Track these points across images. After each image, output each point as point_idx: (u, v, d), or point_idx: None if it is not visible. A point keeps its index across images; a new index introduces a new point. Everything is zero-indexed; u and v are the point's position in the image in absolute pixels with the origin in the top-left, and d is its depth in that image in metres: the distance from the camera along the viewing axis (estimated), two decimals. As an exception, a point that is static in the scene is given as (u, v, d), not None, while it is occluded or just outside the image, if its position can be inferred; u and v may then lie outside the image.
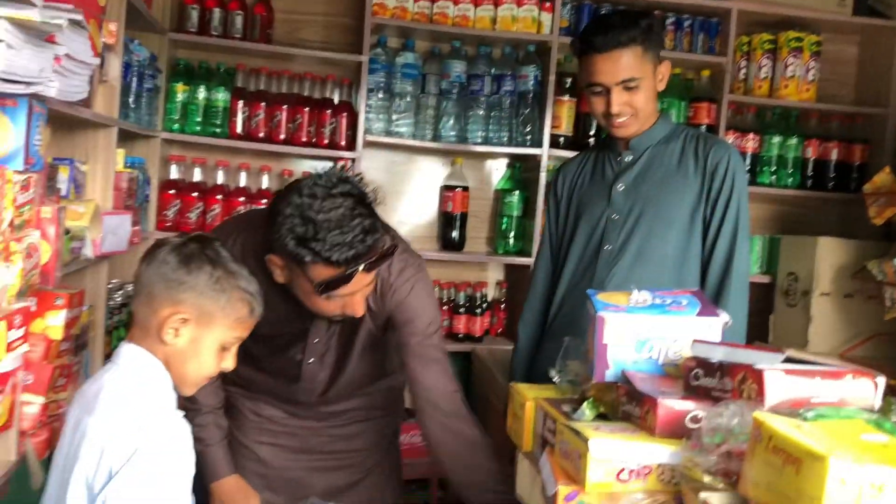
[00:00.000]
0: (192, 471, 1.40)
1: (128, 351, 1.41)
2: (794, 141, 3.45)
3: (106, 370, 1.42)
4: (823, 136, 3.49)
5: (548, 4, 3.27)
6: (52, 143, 2.23)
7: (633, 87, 1.93)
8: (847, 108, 3.54)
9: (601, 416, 1.42)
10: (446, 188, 3.44)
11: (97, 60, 1.72)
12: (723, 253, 1.99)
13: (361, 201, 1.54)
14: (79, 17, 1.36)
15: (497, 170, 3.60)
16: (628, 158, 2.06)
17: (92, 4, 1.76)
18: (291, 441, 1.95)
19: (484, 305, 3.46)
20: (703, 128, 3.28)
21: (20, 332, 1.40)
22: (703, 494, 1.05)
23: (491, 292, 3.56)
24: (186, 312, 1.38)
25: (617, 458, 1.20)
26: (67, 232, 1.83)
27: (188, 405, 1.74)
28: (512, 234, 3.44)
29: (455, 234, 3.42)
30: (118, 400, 1.35)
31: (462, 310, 3.40)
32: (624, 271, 1.98)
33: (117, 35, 2.22)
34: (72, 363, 1.85)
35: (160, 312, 1.38)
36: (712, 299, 1.93)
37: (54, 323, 1.73)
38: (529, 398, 1.59)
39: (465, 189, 3.43)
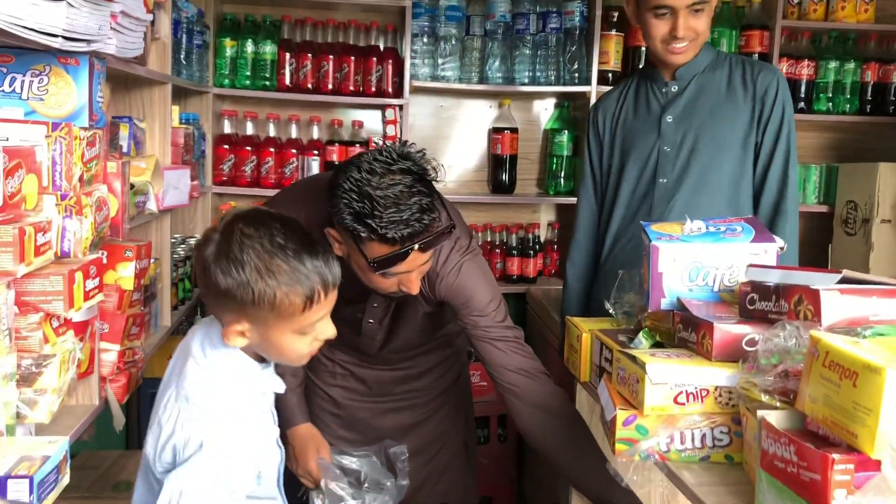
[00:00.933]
0: (258, 464, 1.40)
1: (215, 334, 1.37)
2: (851, 65, 3.35)
3: (197, 342, 1.39)
4: (883, 58, 3.38)
5: (592, -63, 3.19)
6: (111, 101, 2.30)
7: (700, 9, 1.91)
8: (909, 28, 3.40)
9: (657, 345, 1.45)
10: (495, 130, 3.44)
11: (150, 17, 1.75)
12: (776, 177, 1.99)
13: (421, 179, 1.51)
14: (131, -27, 1.39)
15: (545, 110, 3.58)
16: (675, 88, 2.03)
17: (141, -38, 1.79)
18: (360, 384, 2.04)
19: (536, 247, 3.47)
20: (756, 56, 3.20)
21: (95, 283, 1.47)
22: (760, 413, 1.07)
23: (543, 233, 3.57)
24: (241, 325, 1.31)
25: (673, 381, 1.22)
26: (132, 187, 1.89)
27: None
28: (562, 174, 3.43)
29: (505, 176, 3.42)
30: (201, 390, 1.34)
31: (514, 252, 3.43)
32: (683, 203, 1.98)
33: (166, -9, 2.26)
34: (143, 313, 1.93)
35: (222, 320, 1.34)
36: (767, 224, 1.93)
37: (125, 274, 1.81)
38: (585, 330, 1.62)
39: (514, 131, 3.43)
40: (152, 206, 2.11)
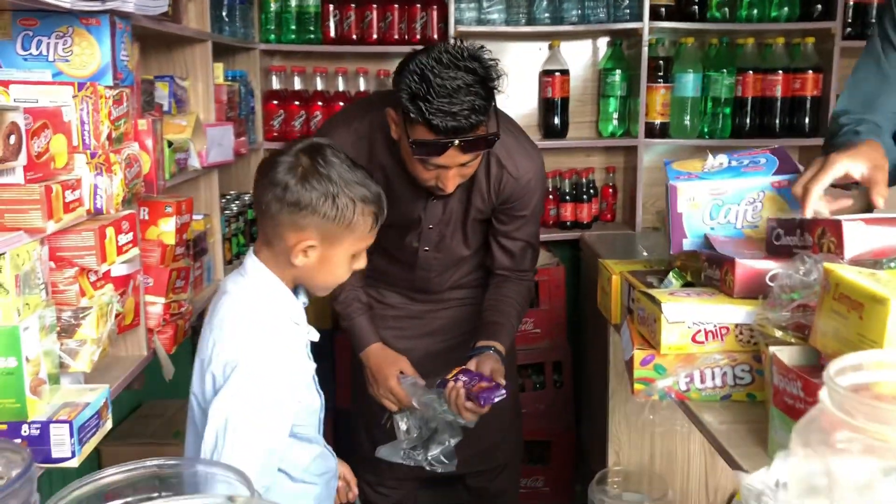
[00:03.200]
0: (296, 386, 1.45)
1: (252, 265, 1.44)
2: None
3: (232, 279, 1.48)
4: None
5: None
6: (153, 61, 2.35)
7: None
8: None
9: (688, 285, 1.41)
10: (545, 73, 3.37)
11: (171, -27, 1.77)
12: None
13: (482, 82, 1.56)
14: (145, -70, 1.40)
15: (599, 49, 3.48)
16: None
17: (165, -81, 1.80)
18: (410, 325, 2.09)
19: (591, 191, 3.41)
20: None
21: (129, 237, 1.52)
22: (772, 349, 1.04)
23: (598, 178, 3.50)
24: (312, 239, 1.38)
25: (691, 320, 1.20)
26: (171, 144, 1.94)
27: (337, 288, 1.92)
28: (616, 115, 3.34)
29: (557, 120, 3.35)
30: (232, 316, 1.41)
31: (568, 198, 3.37)
32: None
33: (200, -51, 2.27)
34: (189, 266, 1.99)
35: (287, 239, 1.39)
36: None
37: (166, 229, 1.87)
38: (615, 272, 1.59)
39: (565, 73, 3.34)
40: (195, 162, 2.16)
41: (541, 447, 3.10)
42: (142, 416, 2.57)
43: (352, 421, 2.24)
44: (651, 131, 3.23)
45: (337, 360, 3.16)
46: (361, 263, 1.48)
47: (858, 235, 1.09)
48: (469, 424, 1.76)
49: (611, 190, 3.48)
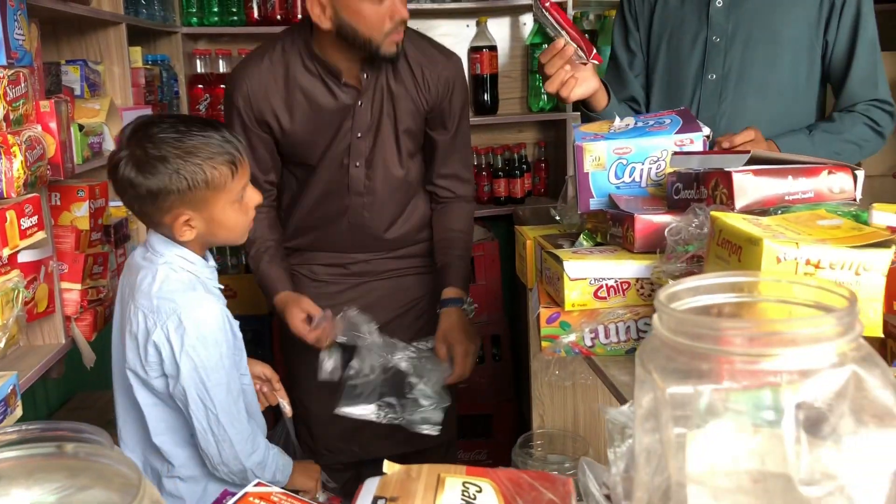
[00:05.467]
0: (230, 349, 1.47)
1: (157, 240, 1.46)
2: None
3: (140, 254, 1.49)
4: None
5: None
6: (64, 44, 2.29)
7: None
8: None
9: (599, 245, 1.43)
10: (473, 50, 3.37)
11: (67, -51, 1.73)
12: (863, 75, 1.70)
13: None
14: None
15: (525, 24, 3.49)
16: None
17: None
18: (348, 299, 2.03)
19: (524, 167, 3.44)
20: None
21: (33, 221, 1.49)
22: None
23: (529, 153, 3.52)
24: (185, 213, 1.40)
25: (592, 276, 1.22)
26: (82, 128, 1.90)
27: (247, 244, 1.94)
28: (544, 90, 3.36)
29: (487, 96, 3.36)
30: (158, 285, 1.41)
31: (501, 173, 3.39)
32: (733, 104, 1.74)
33: (107, -72, 2.22)
34: (107, 252, 1.95)
35: (164, 222, 1.42)
36: (863, 130, 1.72)
37: (80, 214, 1.83)
38: (530, 237, 1.61)
39: (493, 49, 3.35)
40: (110, 146, 2.11)
41: (483, 421, 3.12)
42: (73, 408, 2.52)
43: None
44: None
45: (275, 348, 3.14)
46: (255, 198, 1.49)
47: (748, 186, 1.12)
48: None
49: (543, 164, 3.51)
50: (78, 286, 1.79)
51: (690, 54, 1.78)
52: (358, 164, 1.92)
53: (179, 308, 1.39)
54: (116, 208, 2.22)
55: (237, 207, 1.46)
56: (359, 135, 1.90)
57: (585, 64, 1.59)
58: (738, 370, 0.47)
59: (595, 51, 1.58)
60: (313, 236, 2.03)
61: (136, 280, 1.44)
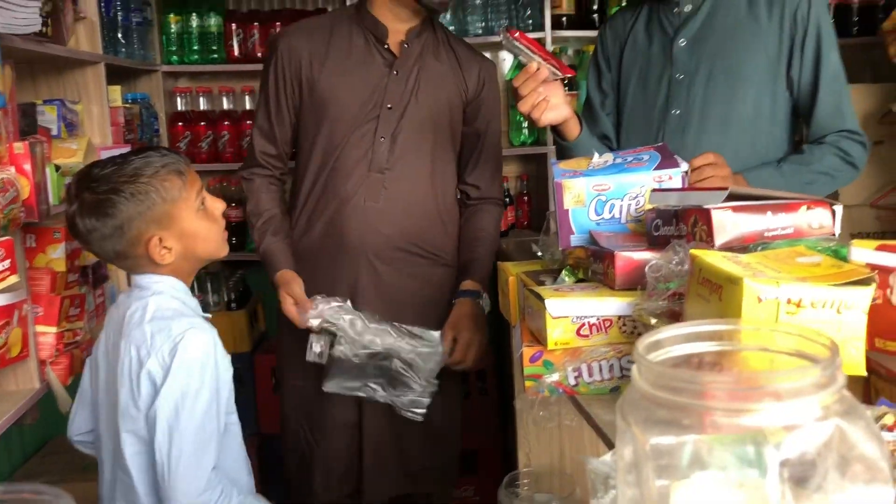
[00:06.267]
0: (226, 377, 1.45)
1: (145, 278, 1.46)
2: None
3: (128, 294, 1.48)
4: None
5: None
6: (42, 84, 2.28)
7: None
8: (867, -57, 3.31)
9: (581, 281, 1.42)
10: (453, 86, 3.39)
11: (43, -9, 1.72)
12: (829, 108, 1.72)
13: None
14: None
15: (504, 59, 3.52)
16: (687, 8, 1.78)
17: (39, -63, 1.75)
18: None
19: (507, 200, 3.44)
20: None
21: (6, 264, 1.46)
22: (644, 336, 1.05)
23: (512, 186, 3.53)
24: (155, 235, 1.41)
25: (574, 314, 1.21)
26: (58, 168, 1.88)
27: (250, 217, 1.96)
28: (526, 123, 3.38)
29: (468, 131, 3.37)
30: (150, 318, 1.40)
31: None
32: (696, 138, 1.76)
33: (86, -31, 2.22)
34: (84, 294, 1.93)
35: (140, 254, 1.43)
36: (833, 160, 1.72)
37: (55, 256, 1.81)
38: (512, 274, 1.59)
39: (473, 84, 3.37)
40: (88, 187, 2.10)
41: (469, 457, 3.08)
42: (48, 453, 2.47)
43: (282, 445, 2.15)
44: (559, 138, 3.27)
45: (257, 385, 3.10)
46: (218, 206, 1.51)
47: (727, 222, 1.11)
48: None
49: (525, 197, 3.51)
50: (53, 329, 1.76)
51: (657, 91, 1.82)
52: (383, 137, 1.90)
53: (173, 333, 1.38)
54: (94, 248, 2.20)
55: (203, 215, 1.47)
56: (389, 106, 1.89)
57: (561, 80, 1.60)
58: (720, 424, 0.45)
59: (570, 71, 1.62)
60: (322, 229, 1.95)
61: (126, 316, 1.43)
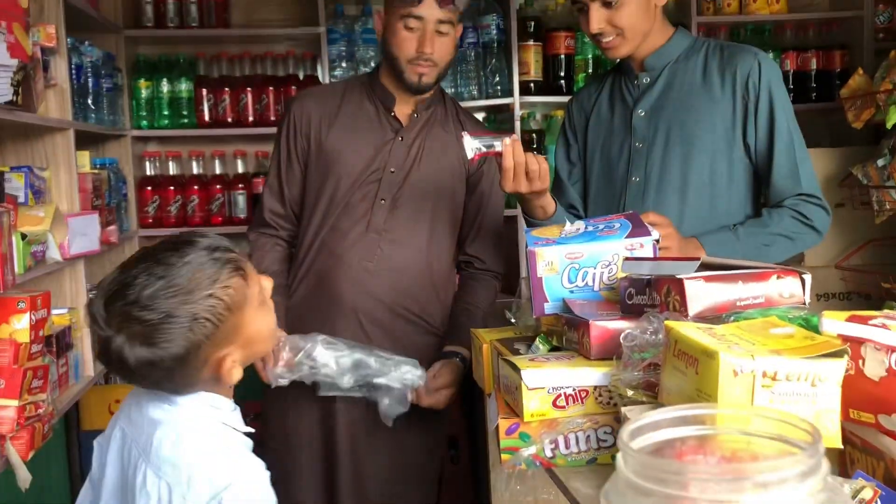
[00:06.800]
0: None
1: (189, 401, 1.19)
2: (770, 56, 3.37)
3: (153, 408, 1.20)
4: (800, 47, 3.41)
5: (500, -50, 3.21)
6: (9, 151, 2.26)
7: (612, 2, 1.72)
8: (821, 14, 3.45)
9: (555, 350, 1.42)
10: (424, 150, 3.42)
11: (14, 62, 1.72)
12: (785, 174, 1.75)
13: None
14: (-21, 19, 1.36)
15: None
16: (646, 80, 1.84)
17: (12, 7, 1.76)
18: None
19: (477, 262, 3.45)
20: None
21: (-32, 337, 1.43)
22: (624, 409, 1.04)
23: (483, 248, 3.54)
24: (224, 354, 1.16)
25: (550, 385, 1.20)
26: (24, 237, 1.85)
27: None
28: (495, 187, 3.41)
29: (438, 194, 3.40)
30: (183, 455, 1.14)
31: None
32: (656, 203, 1.80)
33: (57, 37, 2.22)
34: (48, 365, 1.88)
35: (205, 376, 1.17)
36: (791, 223, 1.75)
37: (19, 326, 1.76)
38: (486, 341, 1.59)
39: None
40: (55, 254, 2.07)
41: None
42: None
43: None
44: (529, 201, 3.31)
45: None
46: (268, 286, 1.25)
47: (700, 292, 1.12)
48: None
49: (496, 260, 3.52)
50: (15, 402, 1.71)
51: (618, 159, 1.87)
52: (384, 200, 1.93)
53: (216, 480, 1.11)
54: (59, 316, 2.15)
55: (265, 310, 1.23)
56: (392, 170, 1.92)
57: (508, 142, 1.61)
58: (706, 515, 0.45)
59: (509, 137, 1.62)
60: (316, 284, 1.94)
61: (154, 439, 1.16)
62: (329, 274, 1.94)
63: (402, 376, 1.77)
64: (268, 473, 1.17)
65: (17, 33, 1.74)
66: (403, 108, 1.96)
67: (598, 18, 1.74)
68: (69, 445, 2.88)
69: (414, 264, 1.96)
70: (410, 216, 1.94)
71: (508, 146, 1.59)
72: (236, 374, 1.18)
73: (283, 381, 1.72)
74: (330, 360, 1.72)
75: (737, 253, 1.67)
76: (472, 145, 1.59)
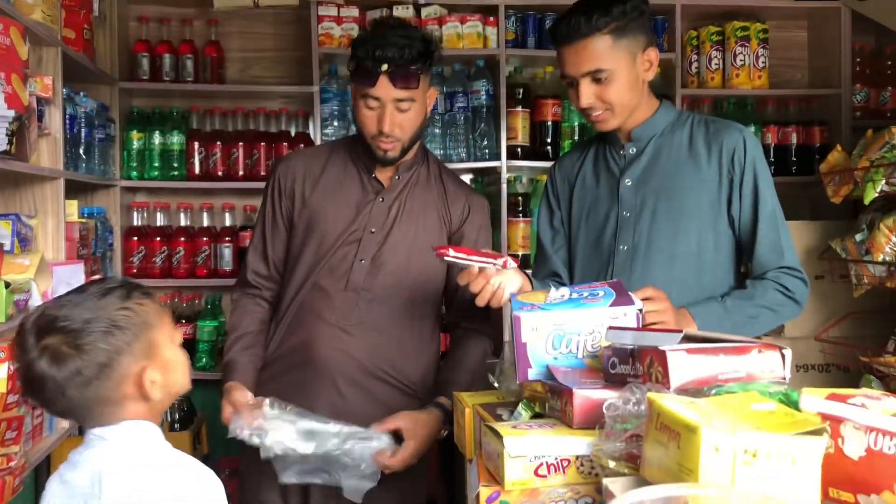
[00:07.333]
0: None
1: (117, 431, 1.24)
2: (752, 129, 3.46)
3: (89, 454, 1.25)
4: (781, 121, 3.50)
5: (492, 19, 3.30)
6: (-2, 199, 2.27)
7: (601, 78, 1.76)
8: (801, 91, 3.55)
9: (537, 416, 1.42)
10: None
11: (11, 113, 1.74)
12: (768, 245, 1.79)
13: (422, 40, 1.84)
14: (-21, 71, 1.38)
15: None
16: (632, 150, 1.88)
17: (12, 59, 1.79)
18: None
19: (460, 322, 3.45)
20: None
21: (-54, 386, 1.41)
22: (605, 481, 1.04)
23: (466, 308, 3.55)
24: (143, 367, 1.23)
25: (532, 454, 1.19)
26: (8, 285, 1.84)
27: (227, 332, 1.97)
28: (481, 248, 3.44)
29: (424, 253, 3.42)
30: (118, 481, 1.20)
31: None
32: (643, 272, 1.82)
33: (54, 88, 2.25)
34: (23, 415, 1.85)
35: (127, 391, 1.23)
36: (775, 295, 1.78)
37: (-2, 376, 1.74)
38: (468, 405, 1.58)
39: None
40: (38, 303, 2.05)
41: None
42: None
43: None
44: (515, 263, 3.33)
45: None
46: (179, 336, 1.35)
47: (682, 365, 1.13)
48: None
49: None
50: (-12, 454, 1.68)
51: (605, 228, 1.90)
52: (363, 260, 1.93)
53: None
54: (37, 366, 2.13)
55: (177, 347, 1.32)
56: (373, 230, 1.93)
57: (501, 269, 1.64)
58: None
59: (504, 257, 1.64)
60: (294, 343, 1.94)
61: (97, 478, 1.20)
62: (307, 333, 1.93)
63: (363, 451, 1.76)
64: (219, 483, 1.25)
65: (16, 84, 1.76)
66: (385, 171, 1.97)
67: (587, 94, 1.79)
68: (38, 500, 2.81)
69: (392, 325, 1.95)
70: (390, 277, 1.94)
71: (478, 270, 1.63)
72: (156, 391, 1.25)
73: (242, 434, 1.73)
74: (289, 430, 1.72)
75: (724, 324, 1.69)
76: (452, 262, 1.64)
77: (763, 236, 1.80)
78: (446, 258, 1.62)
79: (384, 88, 1.81)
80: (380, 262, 1.93)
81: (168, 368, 1.28)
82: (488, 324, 2.09)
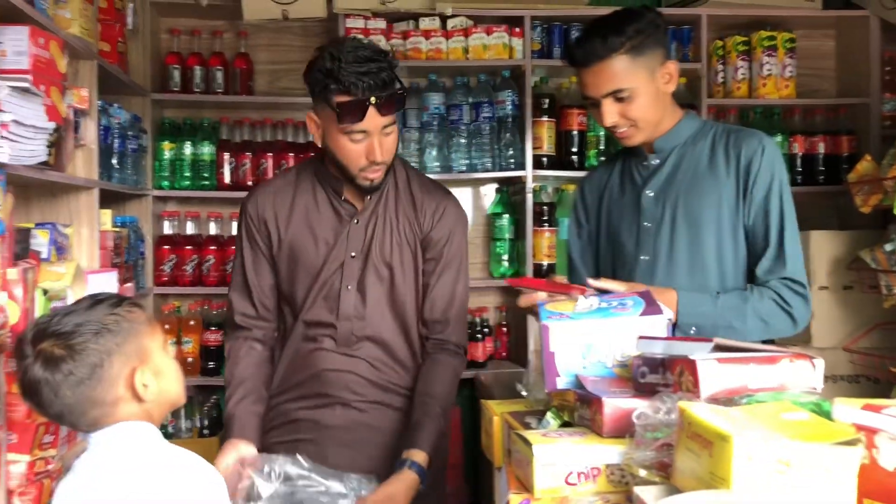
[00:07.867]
0: None
1: (114, 433, 1.28)
2: (779, 138, 3.45)
3: (86, 457, 1.30)
4: (808, 131, 3.48)
5: (517, 30, 3.32)
6: (34, 207, 2.32)
7: (623, 97, 1.78)
8: (828, 100, 3.53)
9: (566, 424, 1.43)
10: (437, 218, 3.47)
11: (51, 125, 1.78)
12: (773, 254, 1.79)
13: (386, 57, 1.75)
14: (23, 84, 1.42)
15: (486, 195, 3.64)
16: (655, 162, 1.90)
17: (52, 72, 1.83)
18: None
19: (486, 330, 3.47)
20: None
21: (-11, 391, 1.45)
22: (636, 489, 1.05)
23: (491, 317, 3.57)
24: (134, 367, 1.28)
25: (562, 462, 1.20)
26: (46, 293, 1.88)
27: (226, 386, 1.92)
28: (506, 256, 3.46)
29: (450, 262, 3.44)
30: (133, 480, 1.24)
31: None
32: (663, 281, 1.82)
33: (90, 100, 2.30)
34: (59, 420, 1.89)
35: (119, 392, 1.27)
36: (769, 304, 1.77)
37: (35, 381, 1.78)
38: (497, 413, 1.60)
39: (456, 217, 3.46)
40: (73, 310, 2.09)
41: None
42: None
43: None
44: (539, 272, 3.34)
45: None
46: (171, 350, 1.42)
47: (713, 374, 1.14)
48: None
49: (504, 328, 3.54)
50: (26, 458, 1.72)
51: (628, 238, 1.91)
52: (350, 286, 1.90)
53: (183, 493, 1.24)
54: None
55: (170, 358, 1.36)
56: (352, 254, 1.90)
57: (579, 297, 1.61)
58: None
59: (578, 291, 1.57)
60: (301, 379, 1.93)
61: (100, 484, 1.24)
62: (312, 362, 1.93)
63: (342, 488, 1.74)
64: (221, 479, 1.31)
65: (55, 97, 1.81)
66: (354, 191, 1.90)
67: (611, 113, 1.80)
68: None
69: (391, 339, 1.94)
70: (378, 297, 1.92)
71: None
72: (149, 392, 1.28)
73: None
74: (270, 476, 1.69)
75: (707, 315, 1.72)
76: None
77: (769, 244, 1.80)
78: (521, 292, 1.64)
79: (371, 119, 1.73)
80: (365, 285, 1.91)
81: (160, 375, 1.31)
82: (461, 335, 2.01)
